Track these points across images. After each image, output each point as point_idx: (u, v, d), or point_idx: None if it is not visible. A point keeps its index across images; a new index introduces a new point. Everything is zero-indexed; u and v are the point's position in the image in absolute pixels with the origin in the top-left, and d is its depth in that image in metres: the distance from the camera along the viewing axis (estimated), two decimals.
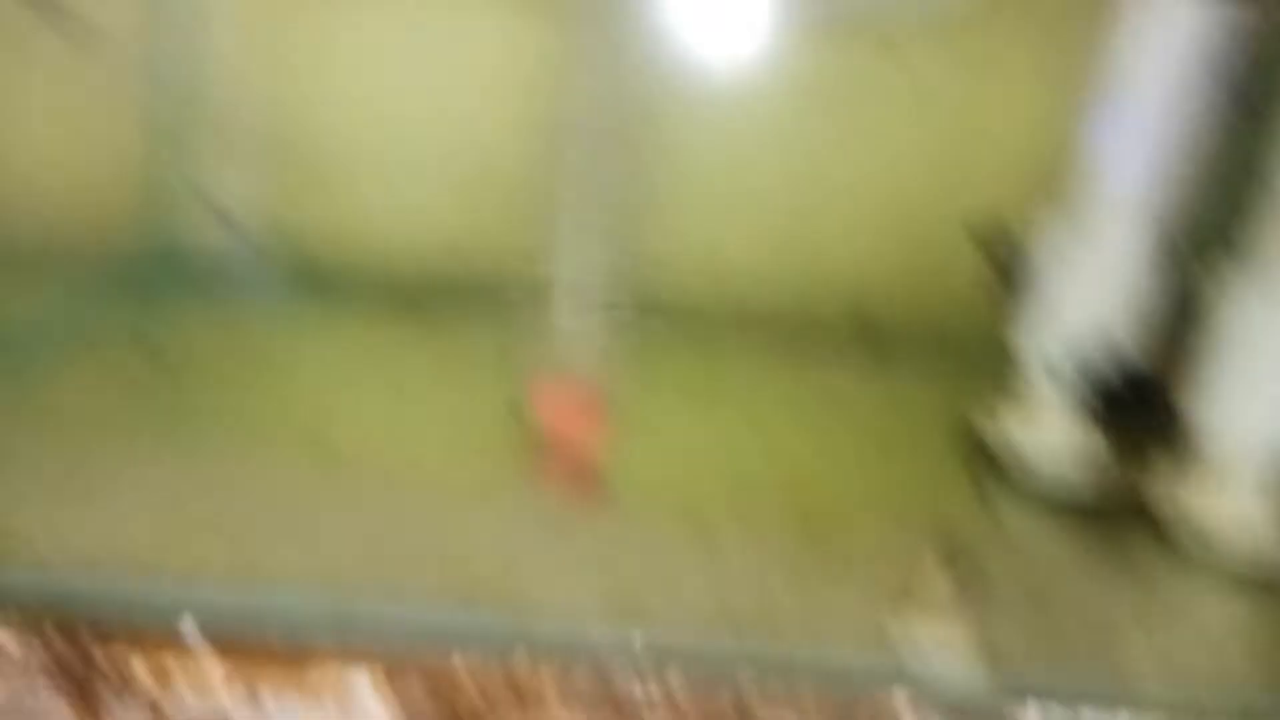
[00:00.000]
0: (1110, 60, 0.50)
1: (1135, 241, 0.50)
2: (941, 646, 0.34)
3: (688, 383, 0.63)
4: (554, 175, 0.54)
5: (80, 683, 0.32)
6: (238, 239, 0.73)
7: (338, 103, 0.74)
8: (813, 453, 0.54)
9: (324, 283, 0.73)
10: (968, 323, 0.73)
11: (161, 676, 0.32)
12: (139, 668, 0.32)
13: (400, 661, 0.32)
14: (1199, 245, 0.61)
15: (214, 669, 0.32)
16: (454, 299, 0.73)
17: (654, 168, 0.71)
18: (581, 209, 0.51)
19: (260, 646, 0.32)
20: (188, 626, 0.32)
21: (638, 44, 0.53)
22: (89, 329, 0.61)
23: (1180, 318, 0.53)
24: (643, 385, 0.59)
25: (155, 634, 0.32)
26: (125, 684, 0.32)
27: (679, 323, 0.72)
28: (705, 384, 0.63)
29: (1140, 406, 0.51)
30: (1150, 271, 0.50)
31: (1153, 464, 0.50)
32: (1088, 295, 0.51)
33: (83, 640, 0.32)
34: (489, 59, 0.72)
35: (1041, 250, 0.52)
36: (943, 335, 0.72)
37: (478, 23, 0.72)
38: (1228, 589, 0.43)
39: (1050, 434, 0.52)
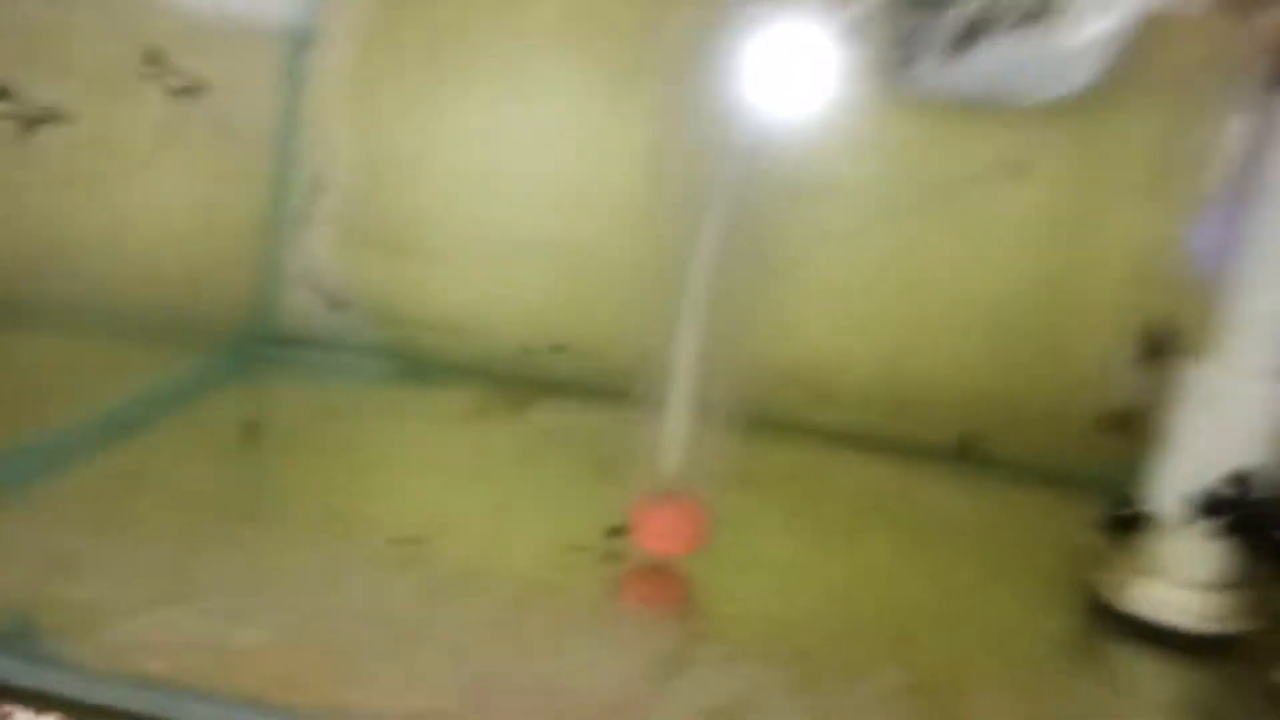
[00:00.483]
0: (1236, 169, 0.48)
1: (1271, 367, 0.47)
2: None
3: (793, 503, 0.61)
4: (669, 276, 0.53)
5: None
6: (347, 325, 0.74)
7: (446, 192, 0.75)
8: (924, 598, 0.51)
9: (428, 372, 0.73)
10: (1079, 447, 0.71)
11: None
12: None
13: None
14: None
15: None
16: (561, 395, 0.73)
17: (764, 276, 0.70)
18: (697, 314, 0.49)
19: None
20: None
21: (751, 148, 0.52)
22: (194, 408, 0.62)
23: None
24: (748, 505, 0.58)
25: None
26: None
27: (784, 438, 0.70)
28: (811, 505, 0.61)
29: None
30: None
31: None
32: (1223, 449, 0.48)
33: None
34: (599, 155, 0.73)
35: (1176, 398, 0.49)
36: (1054, 461, 0.69)
37: (588, 116, 0.73)
38: None
39: (1181, 584, 0.49)
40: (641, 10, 0.71)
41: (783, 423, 0.74)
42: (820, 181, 0.69)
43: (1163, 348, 0.50)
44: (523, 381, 0.74)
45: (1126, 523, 0.51)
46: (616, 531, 0.51)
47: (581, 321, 0.76)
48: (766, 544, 0.55)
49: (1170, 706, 0.44)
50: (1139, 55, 0.65)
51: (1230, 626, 0.49)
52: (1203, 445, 0.48)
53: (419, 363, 0.74)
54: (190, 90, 0.58)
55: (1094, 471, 0.67)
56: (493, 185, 0.75)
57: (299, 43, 0.70)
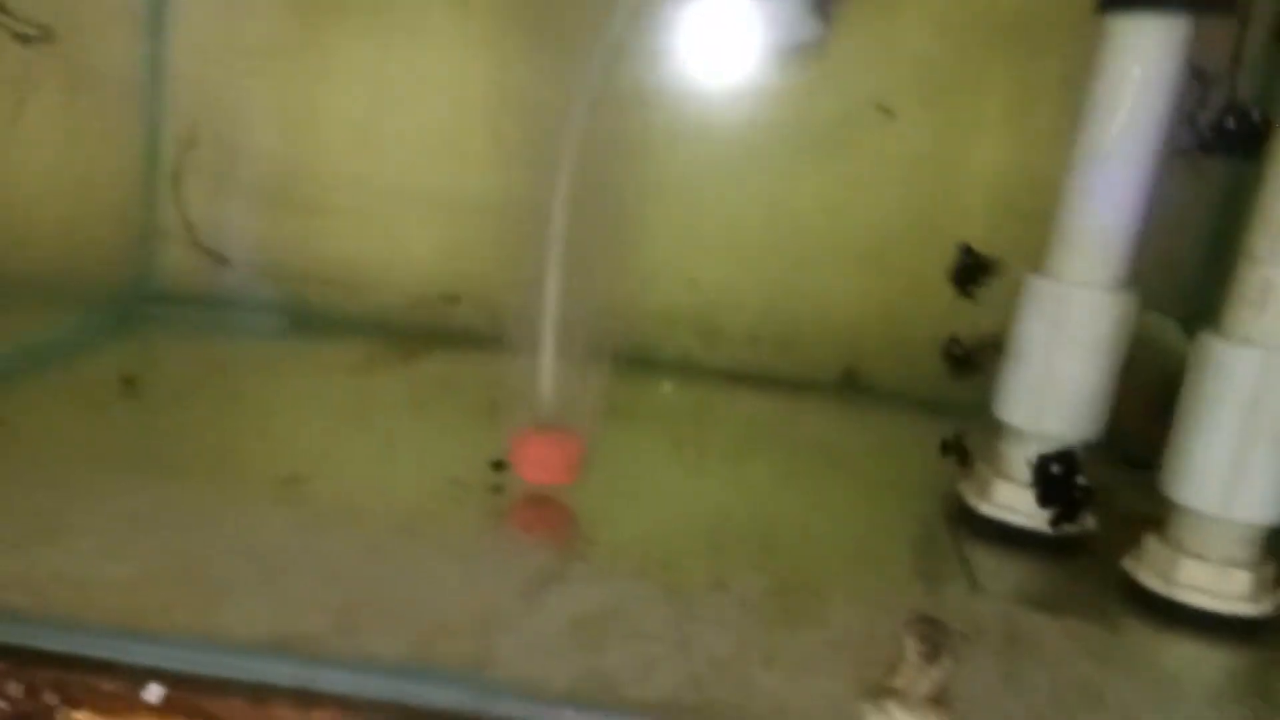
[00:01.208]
0: (1085, 104, 0.50)
1: (1110, 296, 0.50)
2: None
3: (681, 436, 0.63)
4: (545, 222, 0.54)
5: None
6: (232, 281, 0.73)
7: (329, 144, 0.74)
8: (796, 514, 0.54)
9: (320, 326, 0.73)
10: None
11: None
12: None
13: None
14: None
15: None
16: (445, 342, 0.74)
17: (643, 216, 0.72)
18: (570, 256, 0.51)
19: (225, 712, 0.32)
20: (153, 692, 0.32)
21: (629, 97, 0.53)
22: (73, 365, 0.61)
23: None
24: (637, 440, 0.60)
25: (119, 694, 0.32)
26: None
27: (677, 377, 0.72)
28: (697, 437, 0.63)
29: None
30: (1124, 331, 0.50)
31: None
32: (1060, 356, 0.51)
33: (44, 697, 0.32)
34: (482, 102, 0.73)
35: (1019, 311, 0.52)
36: (932, 388, 0.72)
37: (468, 63, 0.73)
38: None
39: (1021, 493, 0.52)
40: None
41: (676, 362, 0.76)
42: (700, 126, 0.70)
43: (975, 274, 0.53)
44: (416, 332, 0.75)
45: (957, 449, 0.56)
46: (499, 465, 0.53)
47: (474, 272, 0.76)
48: (651, 474, 0.57)
49: (1022, 596, 0.48)
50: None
51: (1077, 525, 0.53)
52: (1043, 353, 0.51)
53: (310, 317, 0.74)
54: (41, 38, 0.56)
55: (972, 396, 0.70)
56: (376, 136, 0.74)
57: None
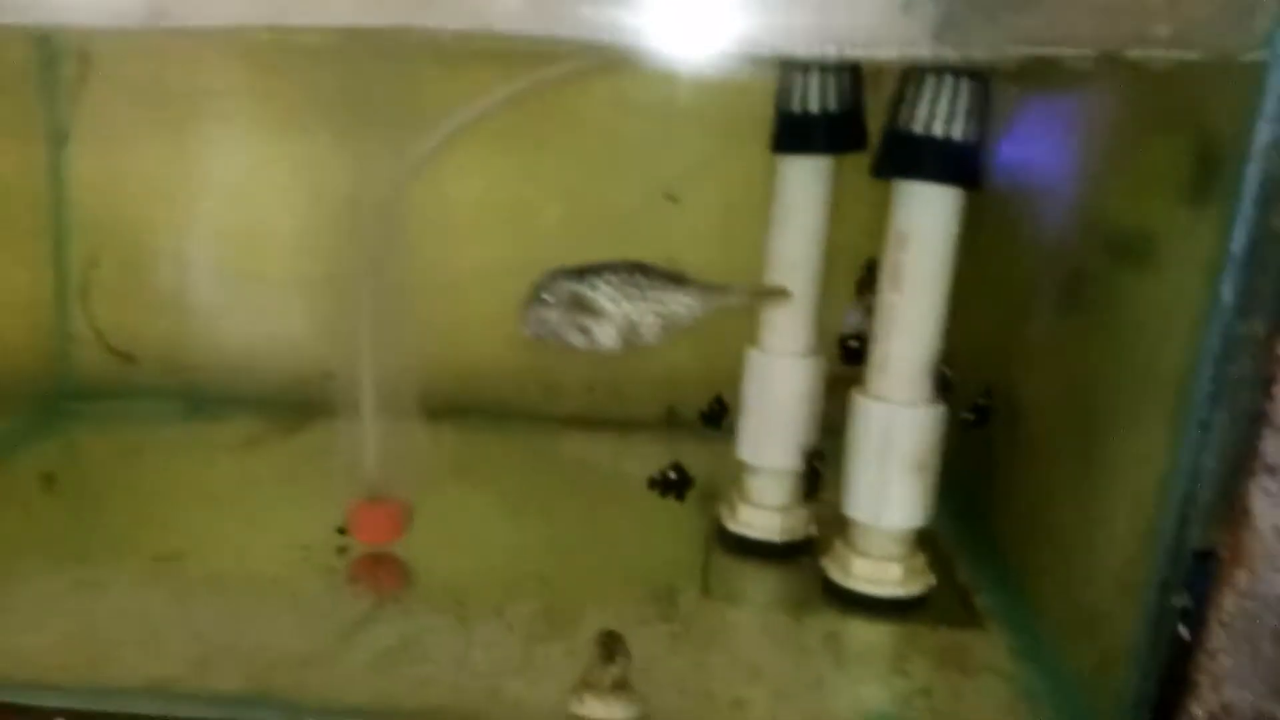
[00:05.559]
0: None
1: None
2: None
3: (510, 486, 0.76)
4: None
5: None
6: (137, 375, 0.86)
7: (210, 248, 0.87)
8: (582, 546, 0.68)
9: (210, 407, 0.86)
10: None
11: None
12: None
13: None
14: None
15: None
16: (325, 413, 0.87)
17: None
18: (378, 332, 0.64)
19: None
20: None
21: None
22: (6, 461, 0.75)
23: None
24: (464, 492, 0.74)
25: None
26: None
27: (522, 429, 0.86)
28: (524, 486, 0.77)
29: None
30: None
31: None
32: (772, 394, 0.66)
33: None
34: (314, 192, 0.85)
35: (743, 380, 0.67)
36: None
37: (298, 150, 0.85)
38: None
39: (765, 507, 0.67)
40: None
41: (523, 415, 0.90)
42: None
43: None
44: (300, 407, 0.88)
45: (667, 484, 0.69)
46: (342, 530, 0.66)
47: (347, 348, 0.89)
48: (470, 525, 0.70)
49: (739, 597, 0.62)
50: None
51: (801, 534, 0.67)
52: (764, 407, 0.66)
53: (207, 402, 0.87)
54: None
55: None
56: (248, 237, 0.87)
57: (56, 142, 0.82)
